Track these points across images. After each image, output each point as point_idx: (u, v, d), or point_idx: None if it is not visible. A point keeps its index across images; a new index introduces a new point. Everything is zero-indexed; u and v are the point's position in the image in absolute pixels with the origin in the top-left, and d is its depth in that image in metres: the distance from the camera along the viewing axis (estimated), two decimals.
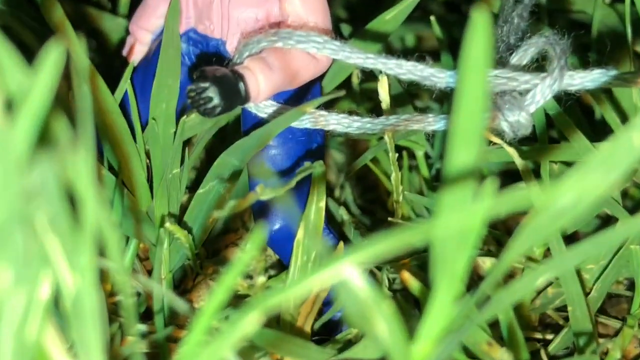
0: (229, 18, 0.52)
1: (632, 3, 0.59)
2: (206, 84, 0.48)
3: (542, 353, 0.53)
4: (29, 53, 0.60)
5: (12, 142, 0.30)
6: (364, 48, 0.56)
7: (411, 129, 0.52)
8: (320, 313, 0.53)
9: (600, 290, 0.53)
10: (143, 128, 0.55)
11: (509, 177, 0.60)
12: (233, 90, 0.49)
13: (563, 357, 0.53)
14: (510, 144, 0.51)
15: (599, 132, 0.60)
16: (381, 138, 0.57)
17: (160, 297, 0.50)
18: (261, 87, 0.50)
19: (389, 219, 0.56)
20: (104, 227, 0.33)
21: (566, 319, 0.53)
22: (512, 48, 0.53)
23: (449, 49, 0.63)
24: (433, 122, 0.51)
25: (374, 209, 0.65)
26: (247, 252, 0.34)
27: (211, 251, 0.59)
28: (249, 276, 0.52)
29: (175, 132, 0.53)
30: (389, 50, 0.71)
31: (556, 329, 0.55)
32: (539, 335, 0.54)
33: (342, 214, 0.59)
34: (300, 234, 0.51)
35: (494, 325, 0.49)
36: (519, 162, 0.51)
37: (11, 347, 0.33)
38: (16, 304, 0.33)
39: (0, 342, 0.33)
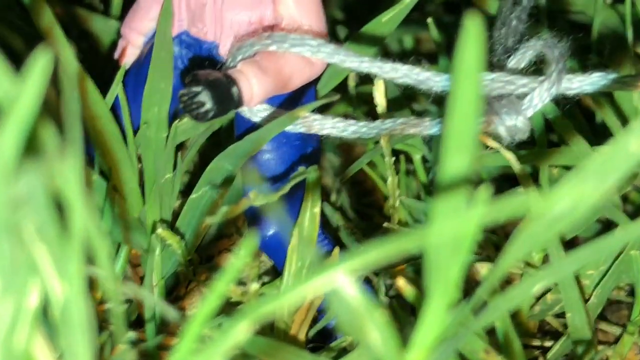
0: (222, 21, 0.53)
1: (633, 4, 0.60)
2: (198, 88, 0.49)
3: None
4: (17, 57, 0.60)
5: (0, 150, 0.31)
6: (359, 51, 0.56)
7: (407, 133, 0.53)
8: (315, 320, 0.53)
9: (599, 296, 0.54)
10: (135, 132, 0.55)
11: (507, 181, 0.60)
12: (226, 95, 0.49)
13: None
14: (508, 148, 0.52)
15: (600, 135, 0.61)
16: (378, 142, 0.57)
17: (152, 305, 0.51)
18: (254, 91, 0.50)
19: (385, 224, 0.56)
20: (92, 234, 0.33)
21: (566, 325, 0.53)
22: (510, 51, 0.53)
23: (447, 51, 0.63)
24: (430, 126, 0.52)
25: (371, 214, 0.66)
26: (239, 259, 0.35)
27: (205, 257, 0.59)
28: (243, 283, 0.53)
29: (167, 137, 0.54)
30: (386, 53, 0.72)
31: (556, 336, 0.55)
32: (537, 343, 0.55)
33: (337, 219, 0.59)
34: (294, 240, 0.51)
35: (492, 333, 0.49)
36: (516, 166, 0.52)
37: (0, 356, 0.34)
38: (4, 313, 0.33)
39: None
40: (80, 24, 0.68)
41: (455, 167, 0.34)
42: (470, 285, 0.56)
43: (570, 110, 0.56)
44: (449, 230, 0.34)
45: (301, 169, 0.53)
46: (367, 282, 0.56)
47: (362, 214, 0.65)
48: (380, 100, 0.55)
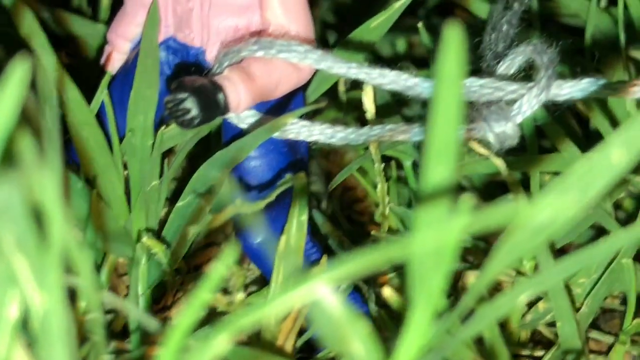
0: (209, 27, 0.53)
1: (626, 7, 0.60)
2: (184, 95, 0.49)
3: None
4: None
5: None
6: (348, 57, 0.57)
7: (396, 140, 0.53)
8: (304, 330, 0.54)
9: (591, 305, 0.54)
10: (121, 140, 0.55)
11: (499, 188, 0.61)
12: (212, 101, 0.50)
13: None
14: (498, 154, 0.52)
15: (593, 141, 0.61)
16: (368, 147, 0.58)
17: (136, 316, 0.51)
18: (241, 98, 0.51)
19: (373, 232, 0.57)
20: (72, 244, 0.34)
21: (558, 335, 0.54)
22: (500, 56, 0.54)
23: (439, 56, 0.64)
24: (419, 133, 0.52)
25: (362, 221, 0.66)
26: (221, 267, 0.35)
27: (192, 266, 0.60)
28: (230, 292, 0.53)
29: (153, 144, 0.54)
30: (378, 57, 0.72)
31: (548, 345, 0.56)
32: (528, 352, 0.55)
33: (326, 227, 0.60)
34: (281, 249, 0.52)
35: (481, 342, 0.50)
36: (505, 173, 0.52)
37: None
38: None
39: None
40: (67, 28, 0.68)
41: (437, 176, 0.34)
42: (461, 294, 0.57)
43: (562, 115, 0.57)
44: (432, 239, 0.35)
45: (288, 176, 0.53)
46: (358, 291, 0.57)
47: (354, 222, 0.66)
48: (369, 106, 0.56)
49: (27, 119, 0.34)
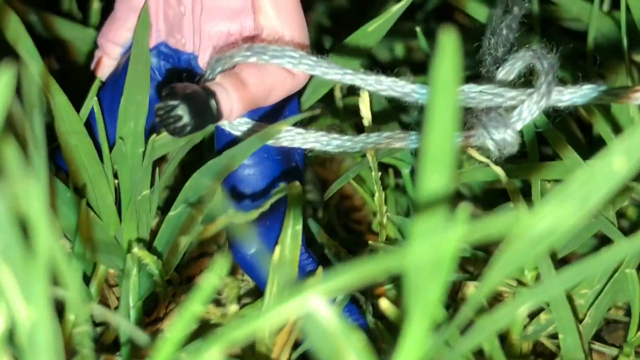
0: (200, 32, 0.53)
1: (629, 10, 0.61)
2: (175, 102, 0.49)
3: None
4: None
5: None
6: (344, 62, 0.57)
7: (394, 147, 0.53)
8: (298, 343, 0.54)
9: (594, 316, 0.54)
10: (110, 148, 0.56)
11: (498, 196, 0.61)
12: (204, 108, 0.50)
13: None
14: (498, 162, 0.52)
15: (596, 148, 0.61)
16: (364, 155, 0.58)
17: (127, 328, 0.51)
18: (234, 105, 0.51)
19: (370, 242, 0.57)
20: (60, 256, 0.34)
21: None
22: (499, 61, 0.54)
23: None
24: (416, 140, 0.53)
25: (359, 230, 0.66)
26: (212, 279, 0.35)
27: (184, 277, 0.60)
28: (224, 304, 0.53)
29: (144, 152, 0.54)
30: (375, 62, 0.73)
31: (550, 358, 0.56)
32: None
33: (322, 236, 0.60)
34: (276, 259, 0.52)
35: (482, 354, 0.50)
36: (505, 181, 0.52)
37: None
38: None
39: None
40: (56, 32, 0.68)
41: (434, 184, 0.34)
42: (460, 305, 0.57)
43: (563, 122, 0.57)
44: (430, 249, 0.35)
45: (283, 184, 0.53)
46: (354, 302, 0.57)
47: (350, 231, 0.66)
48: (365, 112, 0.56)
49: (12, 126, 0.34)
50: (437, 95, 0.32)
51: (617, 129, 0.59)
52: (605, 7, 0.67)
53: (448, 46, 0.32)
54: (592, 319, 0.54)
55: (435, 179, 0.34)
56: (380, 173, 0.57)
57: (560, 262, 0.57)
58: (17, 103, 0.40)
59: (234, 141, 0.53)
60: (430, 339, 0.36)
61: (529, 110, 0.50)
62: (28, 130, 0.37)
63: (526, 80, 0.52)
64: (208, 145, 0.61)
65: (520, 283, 0.56)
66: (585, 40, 0.64)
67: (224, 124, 0.53)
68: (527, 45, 0.53)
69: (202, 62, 0.54)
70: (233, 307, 0.49)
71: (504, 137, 0.50)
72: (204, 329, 0.53)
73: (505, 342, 0.55)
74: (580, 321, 0.54)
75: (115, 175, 0.55)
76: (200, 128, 0.50)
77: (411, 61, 0.75)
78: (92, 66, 0.59)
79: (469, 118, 0.51)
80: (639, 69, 0.63)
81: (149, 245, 0.55)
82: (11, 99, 0.32)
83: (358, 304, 0.57)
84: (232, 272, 0.59)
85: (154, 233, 0.55)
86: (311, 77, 0.54)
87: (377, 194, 0.57)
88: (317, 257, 0.56)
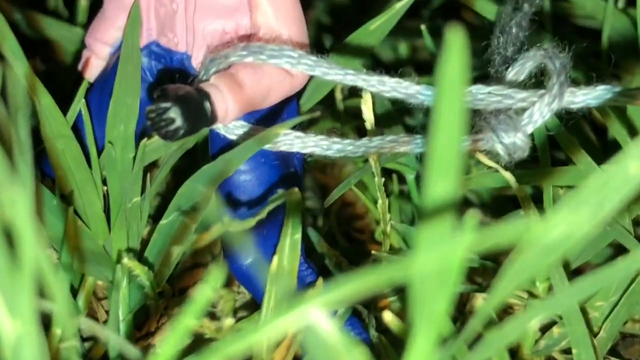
0: (194, 30, 0.54)
1: None
2: (167, 104, 0.49)
3: None
4: None
5: None
6: (345, 62, 0.57)
7: (398, 152, 0.53)
8: (297, 359, 0.54)
9: (610, 330, 0.54)
10: (99, 153, 0.56)
11: (508, 203, 0.61)
12: (198, 111, 0.50)
13: None
14: (507, 167, 0.53)
15: (611, 152, 0.61)
16: (368, 160, 0.58)
17: (117, 343, 0.51)
18: (229, 107, 0.51)
19: (373, 252, 0.57)
20: (46, 267, 0.34)
21: None
22: (509, 61, 0.54)
23: None
24: (422, 144, 0.53)
25: (362, 239, 0.66)
26: (207, 291, 0.35)
27: (177, 289, 0.60)
28: (218, 317, 0.53)
29: (134, 157, 0.54)
30: (378, 62, 0.73)
31: None
32: None
33: (322, 246, 0.60)
34: (273, 270, 0.52)
35: None
36: (515, 187, 0.52)
37: None
38: None
39: None
40: (41, 31, 0.69)
41: (440, 190, 0.34)
42: (468, 318, 0.57)
43: (576, 125, 0.57)
44: (436, 259, 0.35)
45: (281, 191, 0.53)
46: (356, 315, 0.57)
47: (352, 240, 0.66)
48: (368, 115, 0.56)
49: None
50: (444, 97, 0.33)
51: (633, 131, 0.59)
52: (621, 3, 0.67)
53: (455, 45, 0.32)
54: (607, 332, 0.54)
55: (441, 185, 0.34)
56: (383, 179, 0.57)
57: (574, 272, 0.57)
58: (1, 106, 0.40)
59: (229, 145, 0.53)
60: (436, 354, 0.37)
61: (540, 112, 0.50)
62: (13, 135, 0.37)
63: (537, 81, 0.53)
64: (202, 150, 0.61)
65: (532, 295, 0.56)
66: (599, 38, 0.64)
67: (218, 127, 0.53)
68: (538, 44, 0.53)
69: (196, 62, 0.54)
70: (228, 321, 0.49)
71: (514, 140, 0.50)
72: (197, 344, 0.53)
73: (516, 358, 0.55)
74: (595, 335, 0.54)
75: (104, 182, 0.56)
76: (193, 132, 0.50)
77: (416, 61, 0.75)
78: (80, 67, 0.59)
79: (477, 121, 0.51)
80: None
81: (139, 256, 0.55)
82: None
83: (360, 317, 0.57)
84: (228, 284, 0.59)
85: (145, 243, 0.56)
86: (311, 77, 0.54)
87: (380, 201, 0.57)
88: (317, 268, 0.56)
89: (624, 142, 0.58)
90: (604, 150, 0.62)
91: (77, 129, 0.56)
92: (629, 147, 0.34)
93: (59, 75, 0.68)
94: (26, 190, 0.32)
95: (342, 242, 0.65)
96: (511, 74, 0.52)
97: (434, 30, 0.67)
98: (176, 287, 0.60)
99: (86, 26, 0.67)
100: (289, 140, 0.53)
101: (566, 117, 0.53)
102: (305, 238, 0.56)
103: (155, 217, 0.60)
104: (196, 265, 0.62)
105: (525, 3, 0.56)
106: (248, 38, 0.53)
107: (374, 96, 0.55)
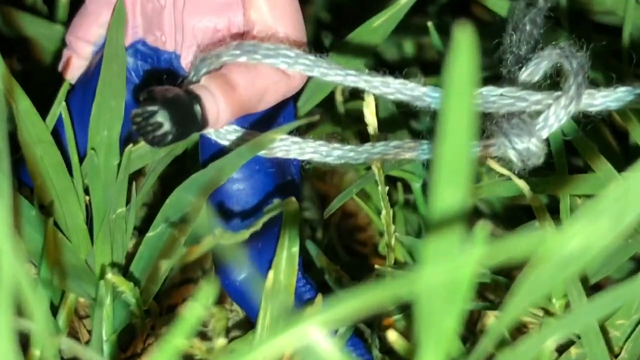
0: (183, 28, 0.54)
1: None
2: (155, 107, 0.50)
3: None
4: None
5: None
6: (346, 62, 0.57)
7: (403, 158, 0.54)
8: None
9: (631, 350, 0.54)
10: (81, 160, 0.56)
11: (521, 214, 0.61)
12: (187, 114, 0.50)
13: None
14: (520, 175, 0.53)
15: (633, 159, 0.61)
16: (370, 167, 0.58)
17: None
18: (221, 110, 0.51)
19: (376, 266, 0.57)
20: (24, 282, 0.34)
21: None
22: (522, 61, 0.54)
23: None
24: (429, 150, 0.53)
25: (364, 252, 0.67)
26: (197, 309, 0.35)
27: (165, 306, 0.60)
28: (209, 337, 0.53)
29: (119, 164, 0.54)
30: (382, 62, 0.73)
31: None
32: None
33: (322, 260, 0.60)
34: (269, 286, 0.52)
35: None
36: (529, 196, 0.53)
37: None
38: None
39: None
40: (19, 28, 0.69)
41: (448, 200, 0.35)
42: (479, 337, 0.57)
43: (595, 129, 0.57)
44: (444, 273, 0.35)
45: (277, 201, 0.53)
46: (358, 335, 0.57)
47: (354, 253, 0.66)
48: (370, 119, 0.56)
49: None
50: (452, 99, 0.33)
51: None
52: None
53: (464, 43, 0.32)
54: (629, 353, 0.54)
55: (449, 194, 0.34)
56: (387, 188, 0.57)
57: (593, 288, 0.57)
58: None
59: (221, 152, 0.53)
60: None
61: (556, 116, 0.50)
62: None
63: (553, 82, 0.53)
64: (192, 157, 0.61)
65: (547, 312, 0.56)
66: (619, 36, 0.64)
67: (209, 132, 0.53)
68: (553, 43, 0.53)
69: (185, 62, 0.54)
70: (221, 341, 0.49)
71: (527, 146, 0.50)
72: None
73: None
74: (616, 356, 0.54)
75: (87, 191, 0.56)
76: (183, 137, 0.50)
77: (422, 60, 0.75)
78: (60, 67, 0.60)
79: (488, 125, 0.52)
80: None
81: (124, 271, 0.55)
82: None
83: (363, 337, 0.57)
84: (220, 301, 0.59)
85: (130, 256, 0.56)
86: (309, 78, 0.54)
87: (384, 212, 0.57)
88: (315, 284, 0.56)
89: None
90: (625, 156, 0.62)
91: (57, 134, 0.56)
92: None
93: (38, 76, 0.68)
94: (2, 200, 0.32)
95: (342, 255, 0.65)
96: (525, 75, 0.53)
97: (441, 28, 0.67)
98: (164, 304, 0.60)
99: (67, 23, 0.67)
100: (285, 146, 0.53)
101: (584, 121, 0.53)
102: (303, 251, 0.56)
103: (142, 229, 0.60)
104: (186, 281, 0.62)
105: None
106: (241, 36, 0.53)
107: (377, 98, 0.55)
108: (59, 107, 0.56)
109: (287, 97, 0.54)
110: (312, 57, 0.52)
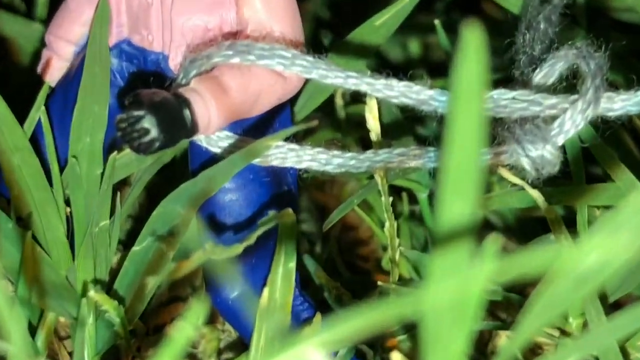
0: (171, 27, 0.54)
1: None
2: (141, 112, 0.50)
3: None
4: None
5: None
6: (347, 63, 0.57)
7: (408, 167, 0.54)
8: None
9: None
10: (62, 169, 0.56)
11: (536, 226, 0.61)
12: (176, 120, 0.50)
13: None
14: (534, 184, 0.53)
15: None
16: (372, 176, 0.58)
17: None
18: (212, 115, 0.51)
19: (379, 282, 0.57)
20: (0, 301, 0.34)
21: None
22: (536, 62, 0.54)
23: None
24: (435, 158, 0.53)
25: (366, 268, 0.67)
26: (186, 329, 0.35)
27: (152, 326, 0.60)
28: (200, 359, 0.53)
29: (102, 174, 0.54)
30: (385, 63, 0.73)
31: None
32: None
33: (320, 276, 0.60)
34: (263, 304, 0.52)
35: None
36: (544, 207, 0.53)
37: None
38: None
39: None
40: None
41: (456, 212, 0.35)
42: (490, 359, 0.57)
43: (614, 135, 0.57)
44: (450, 291, 0.35)
45: (272, 213, 0.53)
46: (360, 357, 0.57)
47: (356, 269, 0.66)
48: (373, 124, 0.56)
49: None
50: (460, 103, 0.33)
51: None
52: None
53: (473, 43, 0.32)
54: None
55: (458, 205, 0.34)
56: (391, 198, 0.57)
57: (612, 306, 0.57)
58: None
59: (212, 160, 0.53)
60: None
61: (572, 121, 0.50)
62: None
63: (569, 84, 0.53)
64: (181, 165, 0.61)
65: (563, 332, 0.56)
66: None
67: (200, 138, 0.53)
68: (570, 42, 0.53)
69: (174, 63, 0.54)
70: None
71: (542, 153, 0.50)
72: None
73: None
74: None
75: (68, 202, 0.56)
76: (171, 144, 0.50)
77: (429, 61, 0.75)
78: (39, 69, 0.60)
79: (500, 131, 0.52)
80: None
81: (108, 288, 0.55)
82: None
83: (365, 359, 0.57)
84: (211, 320, 0.59)
85: (114, 273, 0.56)
86: (307, 81, 0.54)
87: (387, 224, 0.57)
88: (314, 302, 0.56)
89: None
90: None
91: (36, 140, 0.56)
92: None
93: (15, 78, 0.68)
94: None
95: (343, 271, 0.65)
96: (539, 77, 0.53)
97: (449, 26, 0.67)
98: (151, 324, 0.60)
99: (46, 22, 0.67)
100: (281, 153, 0.53)
101: (603, 127, 0.53)
102: (300, 267, 0.56)
103: (127, 243, 0.60)
104: (174, 299, 0.62)
105: None
106: (234, 35, 0.53)
107: (379, 102, 0.55)
108: (38, 112, 0.56)
109: (284, 101, 0.54)
110: (310, 58, 0.52)
